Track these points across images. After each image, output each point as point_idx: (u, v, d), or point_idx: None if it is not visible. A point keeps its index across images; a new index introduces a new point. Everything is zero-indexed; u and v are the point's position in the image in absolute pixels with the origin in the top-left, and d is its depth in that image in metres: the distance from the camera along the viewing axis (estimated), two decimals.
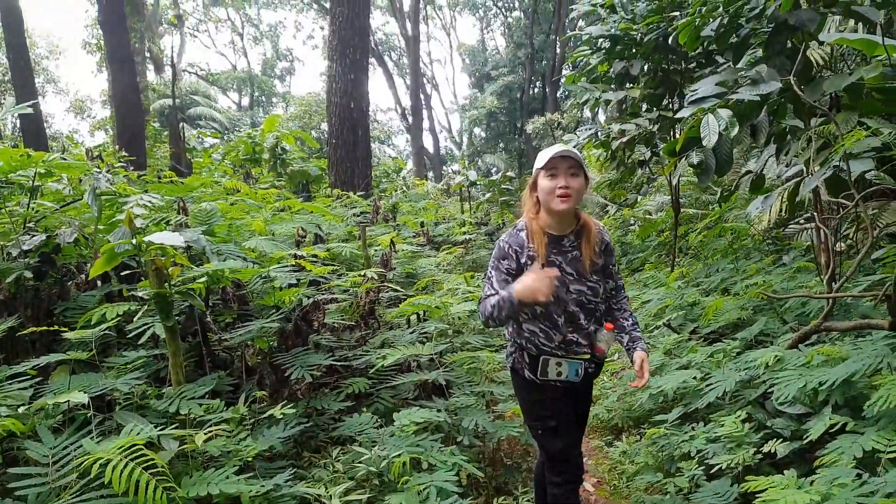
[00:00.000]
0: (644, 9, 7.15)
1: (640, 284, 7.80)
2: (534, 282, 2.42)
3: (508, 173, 12.96)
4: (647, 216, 11.68)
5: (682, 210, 8.75)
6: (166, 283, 2.76)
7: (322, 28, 44.77)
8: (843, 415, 2.95)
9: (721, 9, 4.80)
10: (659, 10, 6.78)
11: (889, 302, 2.93)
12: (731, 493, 3.02)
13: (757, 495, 2.56)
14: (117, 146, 11.31)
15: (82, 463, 2.08)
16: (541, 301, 2.43)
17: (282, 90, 44.79)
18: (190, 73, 37.39)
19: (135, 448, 2.14)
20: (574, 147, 7.24)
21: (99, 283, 3.76)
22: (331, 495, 2.61)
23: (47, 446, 2.36)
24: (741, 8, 4.71)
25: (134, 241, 2.72)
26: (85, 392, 2.43)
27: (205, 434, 2.47)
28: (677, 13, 6.50)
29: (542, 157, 2.62)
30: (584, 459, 4.26)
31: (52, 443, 2.38)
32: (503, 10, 38.48)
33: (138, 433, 2.31)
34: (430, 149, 37.82)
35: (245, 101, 42.04)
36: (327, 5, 40.68)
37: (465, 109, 36.67)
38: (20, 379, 2.75)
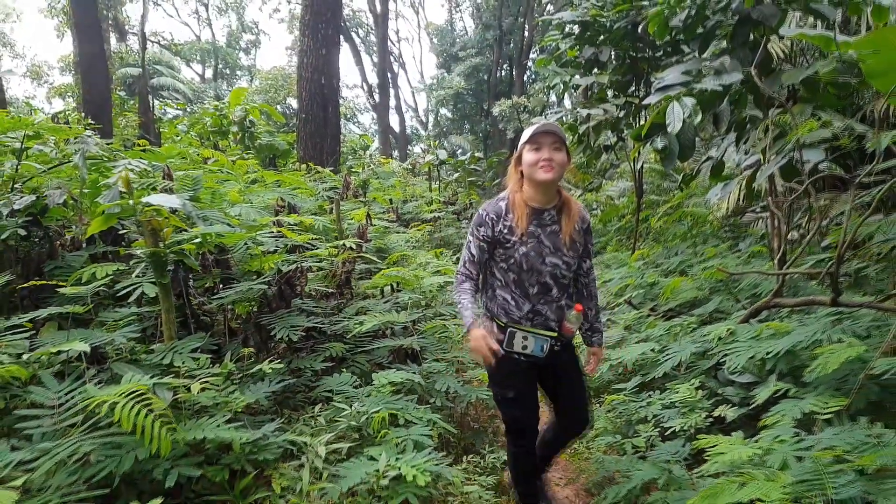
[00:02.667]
0: None
1: (602, 265, 8.08)
2: (482, 342, 2.70)
3: (477, 154, 13.14)
4: (610, 201, 12.01)
5: (644, 195, 9.06)
6: (161, 243, 2.88)
7: (289, 1, 44.14)
8: (787, 382, 3.22)
9: (689, 0, 5.03)
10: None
11: (831, 280, 3.20)
12: (684, 452, 3.28)
13: (707, 451, 2.82)
14: (83, 113, 11.16)
15: (91, 404, 2.22)
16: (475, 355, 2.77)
17: (246, 63, 44.11)
18: (153, 42, 36.54)
19: (138, 393, 2.29)
20: None
21: (84, 244, 3.84)
22: (316, 444, 2.79)
23: (52, 391, 2.48)
24: (708, 0, 4.94)
25: (131, 203, 2.82)
26: (86, 342, 2.56)
27: (200, 384, 2.62)
28: (646, 2, 6.72)
29: (527, 133, 2.76)
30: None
31: (56, 388, 2.50)
32: None
33: (138, 381, 2.45)
34: (396, 127, 37.76)
35: (209, 73, 41.28)
36: None
37: (432, 89, 36.64)
38: (15, 331, 2.86)
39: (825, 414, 2.81)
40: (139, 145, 7.32)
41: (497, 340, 2.81)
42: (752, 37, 4.87)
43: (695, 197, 9.27)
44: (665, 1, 5.27)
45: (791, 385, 3.17)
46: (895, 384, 2.85)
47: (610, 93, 7.82)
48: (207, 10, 42.59)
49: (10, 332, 2.86)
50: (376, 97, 35.13)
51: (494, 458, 3.73)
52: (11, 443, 2.36)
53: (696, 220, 8.03)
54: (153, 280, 3.29)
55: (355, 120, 41.47)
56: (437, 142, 30.09)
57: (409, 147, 39.27)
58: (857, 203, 4.08)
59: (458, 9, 41.18)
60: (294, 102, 27.62)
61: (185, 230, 3.06)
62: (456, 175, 12.72)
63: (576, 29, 7.58)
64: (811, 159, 3.92)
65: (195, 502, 2.65)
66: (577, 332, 2.95)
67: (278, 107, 27.12)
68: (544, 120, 2.79)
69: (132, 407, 2.21)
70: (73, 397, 2.48)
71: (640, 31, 6.54)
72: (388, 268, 5.00)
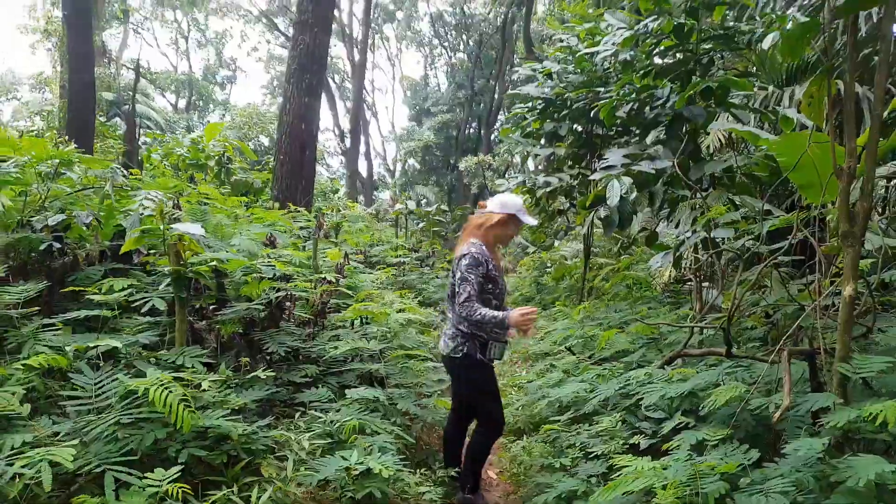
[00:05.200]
0: (576, 79, 8.25)
1: (549, 318, 8.80)
2: (526, 316, 3.64)
3: (442, 206, 13.93)
4: (563, 260, 12.84)
5: (593, 258, 9.87)
6: (182, 263, 3.46)
7: (268, 42, 45.23)
8: (689, 417, 3.91)
9: (634, 95, 5.89)
10: (588, 84, 7.88)
11: (724, 334, 3.93)
12: (601, 469, 3.93)
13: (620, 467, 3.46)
14: (66, 136, 11.60)
15: (127, 389, 2.78)
16: (524, 329, 3.72)
17: (221, 97, 44.69)
18: (129, 68, 37.01)
19: (164, 382, 2.85)
20: (504, 191, 8.25)
21: (96, 261, 4.38)
22: (301, 439, 3.36)
23: (89, 378, 3.03)
24: (649, 97, 5.80)
25: (161, 228, 3.42)
26: (117, 341, 3.12)
27: (208, 382, 3.18)
28: (601, 88, 7.61)
29: (521, 215, 3.90)
30: (491, 455, 5.15)
31: (93, 376, 3.05)
32: (448, 49, 40.00)
33: (161, 374, 3.01)
34: (364, 172, 38.60)
35: (181, 104, 41.73)
36: (276, 21, 41.25)
37: (402, 140, 37.71)
38: (49, 329, 3.40)
39: (714, 440, 3.49)
40: (132, 174, 7.82)
41: (480, 353, 3.84)
42: (685, 128, 5.73)
43: (640, 263, 10.11)
44: (617, 92, 6.14)
45: (692, 419, 3.86)
46: (767, 418, 3.55)
47: (567, 163, 8.68)
48: (187, 43, 43.33)
49: (45, 330, 3.40)
50: (347, 143, 36.00)
51: (443, 474, 4.31)
52: (52, 419, 2.90)
53: (639, 284, 8.82)
54: (161, 295, 3.87)
55: (324, 162, 42.21)
56: (407, 192, 30.92)
57: (375, 192, 40.07)
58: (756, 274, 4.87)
59: (433, 66, 42.71)
60: (265, 140, 28.32)
61: (205, 253, 3.65)
62: (421, 224, 13.47)
63: (540, 104, 8.45)
64: (719, 236, 4.70)
65: (194, 484, 3.18)
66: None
67: (250, 144, 27.73)
68: (532, 218, 3.97)
69: (162, 391, 2.78)
70: (104, 385, 3.03)
71: (593, 112, 7.40)
72: (358, 303, 5.60)
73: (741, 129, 5.10)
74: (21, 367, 2.94)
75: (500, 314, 3.64)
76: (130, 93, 28.69)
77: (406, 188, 34.40)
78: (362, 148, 37.42)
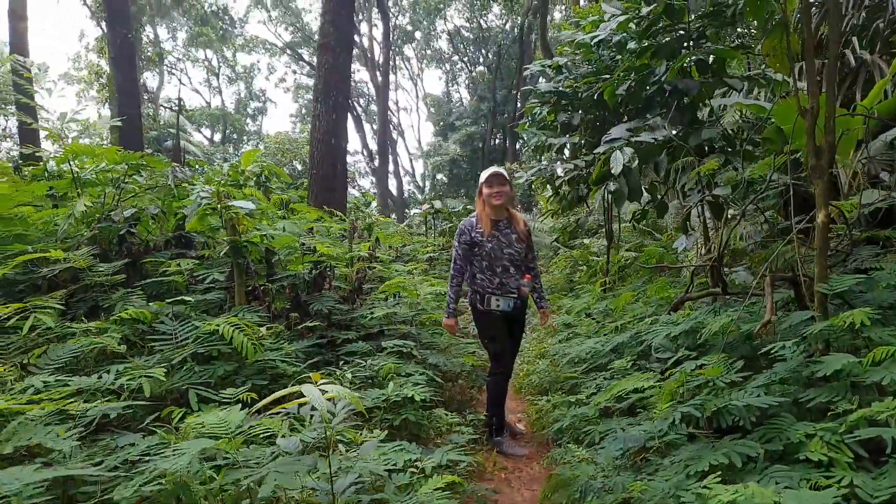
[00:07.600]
0: (585, 71, 8.77)
1: (573, 296, 9.26)
2: (450, 327, 4.54)
3: (469, 206, 14.51)
4: (595, 257, 13.23)
5: (621, 251, 10.31)
6: (238, 235, 4.07)
7: (294, 72, 46.68)
8: (692, 352, 4.36)
9: (633, 74, 6.37)
10: (596, 73, 8.39)
11: (715, 273, 4.39)
12: (611, 400, 4.39)
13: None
14: None
15: (203, 328, 3.38)
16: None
17: (253, 128, 46.19)
18: (165, 107, 38.66)
19: (233, 323, 3.44)
20: (524, 181, 8.74)
21: (162, 248, 5.05)
22: (346, 372, 3.92)
23: (169, 327, 3.64)
24: (647, 76, 6.28)
25: (219, 207, 4.04)
26: (190, 298, 3.72)
27: (265, 330, 3.77)
28: (608, 76, 8.10)
29: (484, 175, 4.44)
30: (520, 414, 5.64)
31: (171, 324, 3.66)
32: (468, 64, 40.82)
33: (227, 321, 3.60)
34: (394, 191, 39.43)
35: (217, 137, 43.24)
36: (300, 51, 42.56)
37: (429, 156, 38.51)
38: (133, 295, 4.04)
39: (710, 365, 3.94)
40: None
41: (480, 303, 4.41)
42: (685, 101, 6.17)
43: (667, 247, 10.46)
44: (618, 75, 6.64)
45: (694, 353, 4.31)
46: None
47: (583, 151, 9.15)
48: (218, 79, 44.92)
49: (129, 295, 4.04)
50: (376, 162, 36.92)
51: (473, 418, 4.81)
52: (143, 358, 3.51)
53: (664, 262, 9.17)
54: (220, 270, 4.49)
55: (355, 184, 43.24)
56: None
57: (406, 210, 40.85)
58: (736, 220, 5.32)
59: (454, 81, 43.51)
60: (298, 165, 29.37)
61: (257, 227, 4.27)
62: (450, 225, 14.07)
63: (552, 98, 8.96)
64: (719, 194, 5.16)
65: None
66: (531, 301, 4.52)
67: (285, 168, 28.76)
68: (494, 167, 4.50)
69: (232, 329, 3.37)
70: (181, 332, 3.64)
71: (597, 97, 7.88)
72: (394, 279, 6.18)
73: (748, 102, 5.55)
74: (116, 319, 3.57)
75: (451, 306, 4.44)
76: (171, 130, 30.14)
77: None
78: (391, 167, 38.31)
